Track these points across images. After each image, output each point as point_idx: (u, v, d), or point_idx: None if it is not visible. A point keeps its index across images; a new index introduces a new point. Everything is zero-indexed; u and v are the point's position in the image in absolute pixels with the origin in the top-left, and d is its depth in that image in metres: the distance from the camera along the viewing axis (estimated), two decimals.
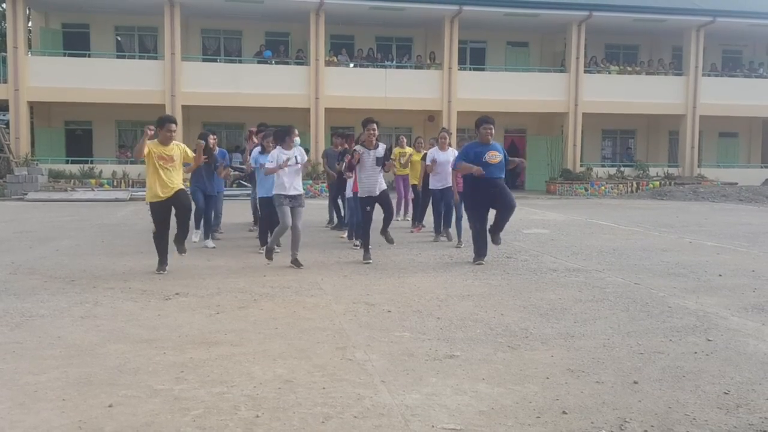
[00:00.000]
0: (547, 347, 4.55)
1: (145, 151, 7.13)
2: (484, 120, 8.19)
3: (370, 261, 8.06)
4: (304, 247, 9.11)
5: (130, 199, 18.54)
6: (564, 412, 3.40)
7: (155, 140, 7.30)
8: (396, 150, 12.35)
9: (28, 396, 3.56)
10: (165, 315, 5.38)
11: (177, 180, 7.40)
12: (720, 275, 7.41)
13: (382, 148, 8.23)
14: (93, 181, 20.88)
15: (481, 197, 8.06)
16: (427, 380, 3.86)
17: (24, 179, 19.22)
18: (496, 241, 8.21)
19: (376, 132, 8.19)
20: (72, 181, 20.70)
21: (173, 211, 7.39)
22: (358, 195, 8.44)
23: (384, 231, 8.33)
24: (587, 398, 3.61)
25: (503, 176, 8.12)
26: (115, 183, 21.01)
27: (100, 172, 21.40)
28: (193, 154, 7.67)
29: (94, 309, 5.56)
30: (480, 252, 8.12)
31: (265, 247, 8.30)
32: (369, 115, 8.56)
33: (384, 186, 8.33)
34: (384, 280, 6.97)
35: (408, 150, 12.38)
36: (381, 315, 5.43)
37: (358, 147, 8.39)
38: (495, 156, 7.97)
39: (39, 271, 7.32)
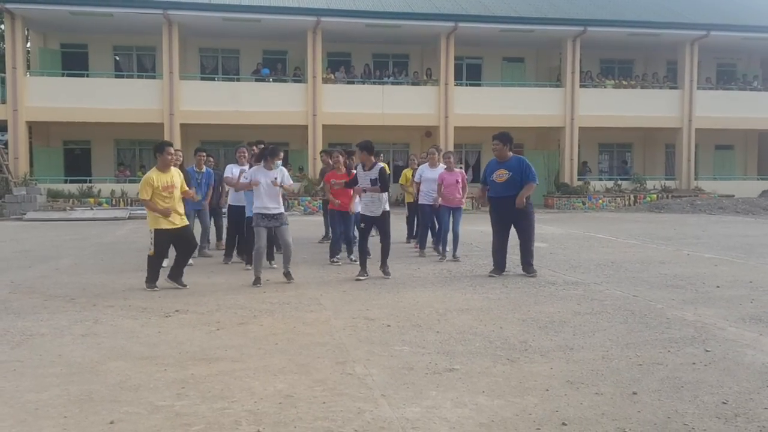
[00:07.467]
0: (546, 360, 4.57)
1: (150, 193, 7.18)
2: (493, 136, 8.61)
3: (363, 278, 8.01)
4: (303, 263, 9.19)
5: (129, 218, 18.57)
6: (564, 424, 3.42)
7: (155, 169, 7.29)
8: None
9: (29, 414, 3.57)
10: (165, 332, 5.39)
11: (180, 209, 7.40)
12: (718, 286, 7.44)
13: (376, 169, 8.28)
14: (92, 200, 20.93)
15: (495, 215, 8.45)
16: (427, 393, 3.88)
17: (23, 199, 19.27)
18: (528, 272, 8.23)
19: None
20: (71, 200, 20.74)
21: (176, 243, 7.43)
22: (360, 211, 8.59)
23: (382, 266, 8.27)
24: (587, 410, 3.63)
25: (513, 193, 8.23)
26: (113, 202, 21.04)
27: (99, 191, 21.43)
28: (186, 189, 7.63)
29: (95, 327, 5.58)
30: (497, 264, 8.37)
31: (249, 265, 8.67)
32: (366, 132, 8.78)
33: (386, 207, 8.31)
34: (383, 295, 6.99)
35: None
36: (380, 329, 5.45)
37: (358, 167, 8.51)
38: (501, 175, 8.31)
39: (39, 290, 7.34)
